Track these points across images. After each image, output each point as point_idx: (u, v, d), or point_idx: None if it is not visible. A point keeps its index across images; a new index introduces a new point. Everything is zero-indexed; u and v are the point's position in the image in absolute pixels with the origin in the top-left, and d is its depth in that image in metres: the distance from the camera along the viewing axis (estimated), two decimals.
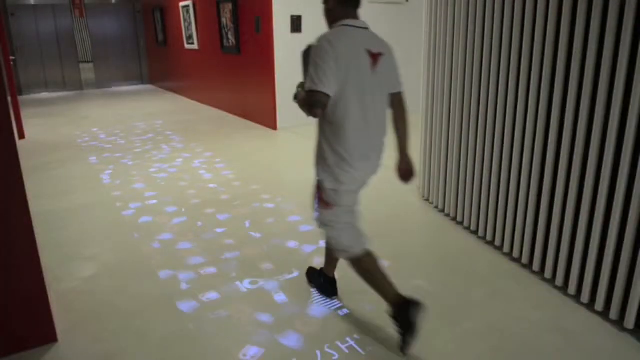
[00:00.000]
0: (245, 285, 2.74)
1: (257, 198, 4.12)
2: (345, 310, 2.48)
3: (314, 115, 2.05)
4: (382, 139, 2.20)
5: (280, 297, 2.61)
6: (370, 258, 2.23)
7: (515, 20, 2.69)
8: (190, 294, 2.66)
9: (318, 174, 2.18)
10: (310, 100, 1.99)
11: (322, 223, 2.25)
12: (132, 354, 2.18)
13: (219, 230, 3.48)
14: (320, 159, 2.16)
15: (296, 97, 2.16)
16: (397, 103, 2.23)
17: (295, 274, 2.85)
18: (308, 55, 2.06)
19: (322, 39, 2.03)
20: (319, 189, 2.19)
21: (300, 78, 2.32)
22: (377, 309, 2.48)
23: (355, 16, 2.13)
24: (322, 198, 2.18)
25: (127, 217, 3.76)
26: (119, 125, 7.52)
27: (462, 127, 3.31)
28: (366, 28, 2.14)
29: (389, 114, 2.20)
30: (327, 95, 1.98)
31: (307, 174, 4.79)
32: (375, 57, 2.07)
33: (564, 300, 2.55)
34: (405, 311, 2.09)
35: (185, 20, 9.35)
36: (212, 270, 2.91)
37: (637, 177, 2.12)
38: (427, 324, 2.35)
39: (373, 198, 4.10)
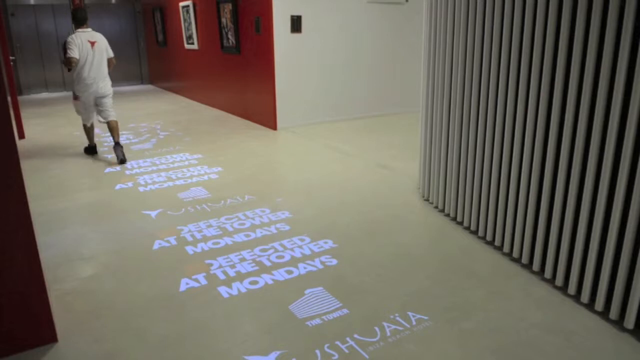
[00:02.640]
0: (245, 285, 2.74)
1: (257, 198, 4.12)
2: (345, 310, 2.48)
3: (70, 67, 5.11)
4: (102, 77, 5.31)
5: (279, 299, 2.61)
6: (90, 127, 5.59)
7: (515, 20, 2.70)
8: (191, 293, 2.67)
9: (73, 88, 5.36)
10: (68, 60, 5.01)
11: (75, 108, 5.49)
12: (132, 354, 2.18)
13: (219, 230, 3.48)
14: (73, 82, 5.27)
15: (64, 60, 5.08)
16: (109, 61, 5.41)
17: (295, 273, 2.85)
18: (65, 43, 5.05)
19: (70, 37, 5.06)
20: (74, 94, 5.35)
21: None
22: (377, 309, 2.49)
23: (83, 27, 5.18)
24: (74, 98, 5.35)
25: (127, 217, 3.76)
26: (119, 125, 7.51)
27: (462, 127, 3.31)
28: (89, 31, 5.19)
29: (106, 67, 5.38)
30: (76, 58, 5.03)
31: (307, 174, 4.79)
32: (92, 43, 5.15)
33: (564, 300, 2.55)
34: (89, 149, 5.72)
35: (185, 20, 9.35)
36: (211, 270, 2.92)
37: (637, 177, 2.12)
38: (426, 324, 2.36)
39: (373, 198, 4.10)
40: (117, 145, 5.38)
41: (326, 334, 2.29)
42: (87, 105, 5.34)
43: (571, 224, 2.52)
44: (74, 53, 5.01)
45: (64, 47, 5.05)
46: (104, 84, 5.33)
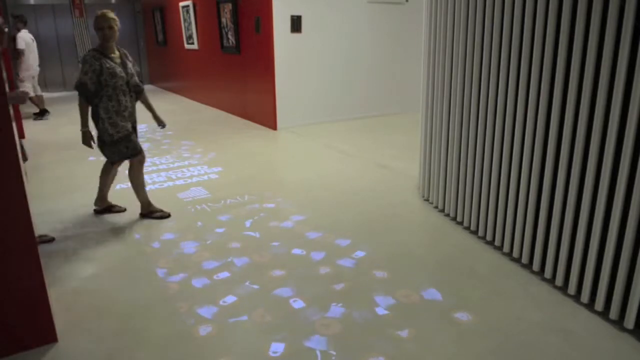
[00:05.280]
0: (250, 286, 2.74)
1: (257, 198, 4.12)
2: (345, 310, 2.48)
3: (19, 57, 7.54)
4: (38, 62, 7.93)
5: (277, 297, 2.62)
6: (35, 96, 7.93)
7: (515, 19, 2.70)
8: (191, 292, 2.67)
9: (20, 72, 7.60)
10: (19, 51, 7.51)
11: (24, 86, 7.30)
12: (132, 354, 2.18)
13: (218, 230, 3.48)
14: (20, 67, 7.70)
15: (15, 51, 7.18)
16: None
17: (297, 273, 2.85)
18: (16, 38, 7.32)
19: (19, 34, 7.51)
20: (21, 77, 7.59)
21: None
22: (377, 309, 2.49)
23: (25, 28, 7.38)
24: (21, 80, 7.68)
25: (127, 217, 3.76)
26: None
27: (462, 127, 3.31)
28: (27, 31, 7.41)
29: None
30: (24, 49, 7.58)
31: (307, 174, 4.79)
32: (33, 40, 8.06)
33: (564, 300, 2.55)
34: (40, 113, 8.14)
35: (185, 20, 9.35)
36: (212, 269, 2.91)
37: (637, 177, 2.12)
38: (426, 325, 2.36)
39: (373, 198, 4.10)
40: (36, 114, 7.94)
41: (327, 334, 2.29)
42: (32, 79, 7.75)
43: (571, 223, 2.52)
44: (21, 46, 7.37)
45: (15, 41, 7.37)
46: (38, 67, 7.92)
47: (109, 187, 3.81)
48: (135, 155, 3.59)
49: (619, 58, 2.14)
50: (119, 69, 3.39)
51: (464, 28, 3.15)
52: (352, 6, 6.97)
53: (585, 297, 2.46)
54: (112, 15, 3.34)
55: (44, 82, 11.59)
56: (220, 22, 7.79)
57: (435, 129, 3.67)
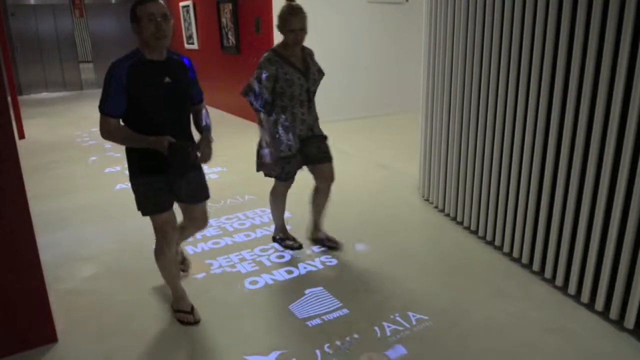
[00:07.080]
0: (245, 285, 2.74)
1: (257, 198, 4.12)
2: (345, 310, 2.48)
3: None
4: None
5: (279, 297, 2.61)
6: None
7: (515, 19, 2.69)
8: (191, 294, 2.67)
9: None
10: None
11: None
12: (132, 354, 2.18)
13: (218, 230, 3.48)
14: None
15: None
16: None
17: (295, 273, 2.85)
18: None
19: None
20: None
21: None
22: (377, 309, 2.49)
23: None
24: None
25: (127, 217, 3.76)
26: None
27: (462, 127, 3.31)
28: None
29: None
30: None
31: (307, 174, 4.78)
32: None
33: (564, 300, 2.55)
34: None
35: (185, 20, 9.35)
36: (212, 270, 2.91)
37: (637, 177, 2.12)
38: (426, 324, 2.36)
39: (373, 198, 4.10)
40: None
41: (326, 334, 2.29)
42: None
43: (571, 223, 2.51)
44: None
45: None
46: None
47: (281, 212, 3.20)
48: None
49: (619, 58, 2.14)
50: (297, 76, 2.73)
51: (464, 28, 3.15)
52: (352, 6, 6.97)
53: (585, 297, 2.46)
54: (304, 11, 2.67)
55: (45, 83, 11.61)
56: (220, 22, 7.80)
57: (435, 128, 3.67)
